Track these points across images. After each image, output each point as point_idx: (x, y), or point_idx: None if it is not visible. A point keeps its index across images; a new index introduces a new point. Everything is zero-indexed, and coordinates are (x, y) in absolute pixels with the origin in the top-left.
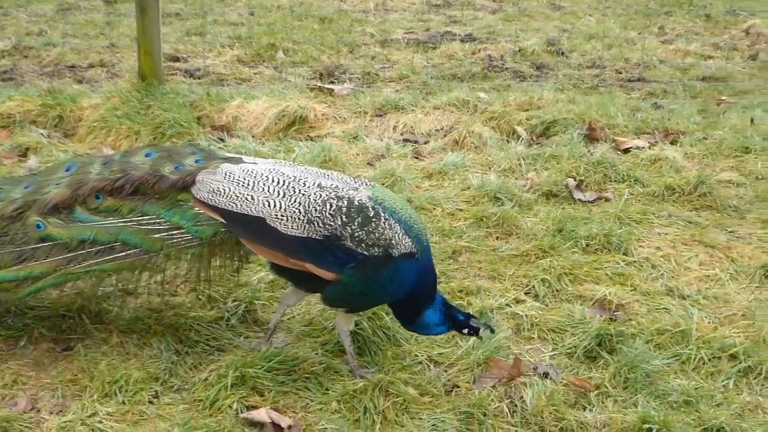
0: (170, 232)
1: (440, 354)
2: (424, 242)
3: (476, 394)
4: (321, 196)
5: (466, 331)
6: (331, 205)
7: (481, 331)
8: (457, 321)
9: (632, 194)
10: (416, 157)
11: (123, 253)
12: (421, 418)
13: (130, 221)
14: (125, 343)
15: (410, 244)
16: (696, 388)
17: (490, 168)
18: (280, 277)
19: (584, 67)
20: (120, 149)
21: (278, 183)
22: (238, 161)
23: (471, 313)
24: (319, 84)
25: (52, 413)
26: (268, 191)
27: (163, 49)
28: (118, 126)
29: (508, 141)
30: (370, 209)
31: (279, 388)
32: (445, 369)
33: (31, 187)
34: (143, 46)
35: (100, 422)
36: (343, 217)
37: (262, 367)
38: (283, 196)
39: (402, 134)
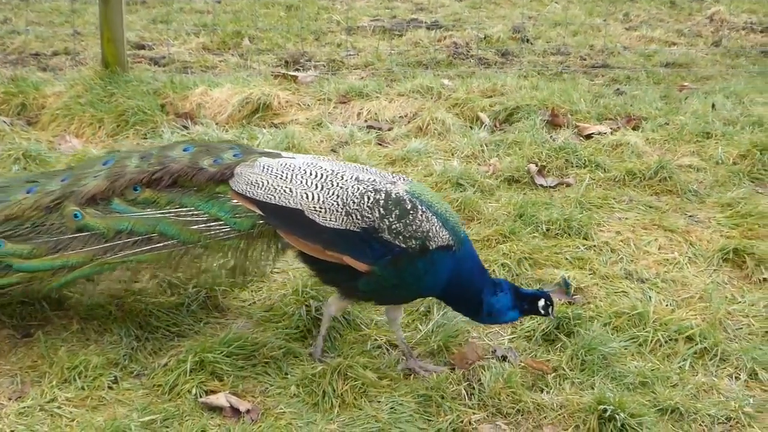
0: (208, 224)
1: None
2: (462, 234)
3: (434, 378)
4: (359, 189)
5: (542, 304)
6: (369, 198)
7: (563, 288)
8: (528, 297)
9: (593, 179)
10: (380, 144)
11: (160, 244)
12: (379, 401)
13: (168, 213)
14: (85, 329)
15: (447, 236)
16: (652, 370)
17: (453, 154)
18: (312, 270)
19: (549, 53)
20: (83, 137)
21: (316, 176)
22: (276, 155)
23: (540, 288)
24: (283, 71)
25: (10, 399)
26: (307, 184)
27: (129, 36)
28: (81, 114)
29: (471, 127)
30: (408, 202)
31: (238, 373)
32: (402, 354)
33: (69, 180)
34: (106, 34)
35: (59, 407)
36: (381, 209)
37: (222, 353)
38: (322, 189)
39: (366, 121)
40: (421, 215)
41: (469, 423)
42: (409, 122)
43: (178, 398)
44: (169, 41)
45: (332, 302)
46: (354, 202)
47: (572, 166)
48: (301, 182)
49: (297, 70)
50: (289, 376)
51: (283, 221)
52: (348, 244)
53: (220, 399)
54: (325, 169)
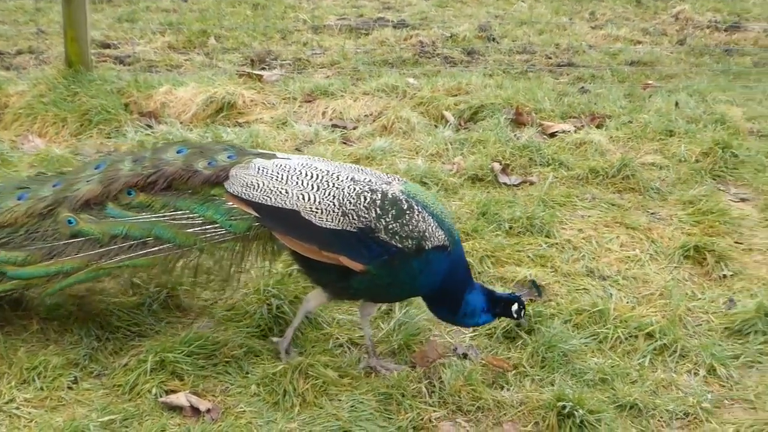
0: (204, 227)
1: (361, 336)
2: (456, 236)
3: (395, 376)
4: (355, 189)
5: (516, 308)
6: (365, 198)
7: (533, 291)
8: (502, 301)
9: (557, 177)
10: (344, 143)
11: (156, 248)
12: (340, 400)
13: (163, 216)
14: (46, 329)
15: (443, 236)
16: (612, 367)
17: (417, 153)
18: (305, 270)
19: (515, 52)
20: (46, 136)
21: (312, 177)
22: (271, 157)
23: (512, 292)
24: (248, 70)
25: None
26: (303, 185)
27: (94, 35)
28: (44, 113)
29: (436, 126)
30: (404, 202)
31: (199, 373)
32: (365, 352)
33: (61, 185)
34: (70, 33)
35: (18, 408)
36: (378, 209)
37: (182, 352)
38: (318, 190)
39: (331, 120)
40: (418, 215)
41: (430, 421)
42: (374, 121)
43: (138, 398)
44: (135, 40)
45: (312, 297)
46: (350, 203)
47: (536, 165)
48: (297, 183)
49: (263, 69)
50: (250, 375)
51: (279, 223)
52: (344, 244)
53: (181, 398)
54: (321, 170)
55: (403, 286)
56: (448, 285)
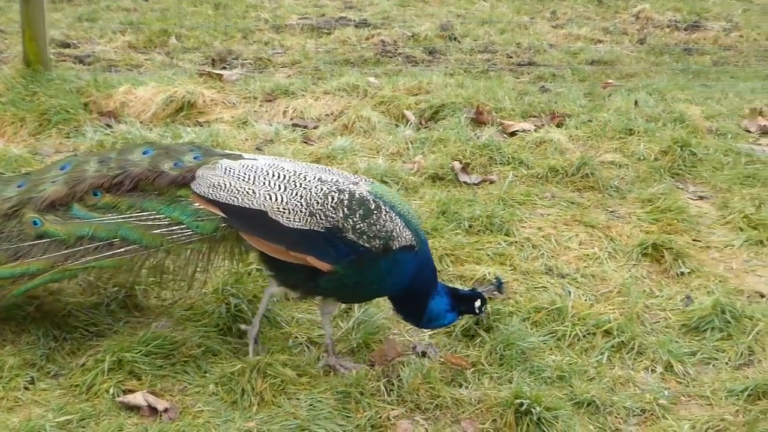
0: (170, 228)
1: (320, 335)
2: (422, 236)
3: (354, 374)
4: (322, 189)
5: (479, 304)
6: (332, 198)
7: (496, 288)
8: (466, 298)
9: (517, 176)
10: (305, 142)
11: (122, 249)
12: (298, 399)
13: (130, 217)
14: (2, 329)
15: (410, 237)
16: (570, 364)
17: (378, 152)
18: (272, 272)
19: (476, 51)
20: (4, 136)
21: (279, 177)
22: (237, 157)
23: (473, 288)
24: (208, 70)
25: None
26: (270, 185)
27: (54, 35)
28: (2, 113)
29: (396, 125)
30: (371, 202)
31: (157, 372)
32: (324, 351)
33: (25, 186)
34: (28, 32)
35: None
36: (345, 209)
37: (140, 352)
38: (285, 190)
39: (292, 119)
40: (385, 215)
41: (388, 419)
42: (335, 120)
43: (95, 398)
44: (95, 39)
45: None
46: (318, 203)
47: (496, 164)
48: (264, 183)
49: (224, 68)
50: (208, 374)
51: (246, 223)
52: (312, 244)
53: (138, 398)
54: (288, 170)
55: (370, 286)
56: (415, 285)
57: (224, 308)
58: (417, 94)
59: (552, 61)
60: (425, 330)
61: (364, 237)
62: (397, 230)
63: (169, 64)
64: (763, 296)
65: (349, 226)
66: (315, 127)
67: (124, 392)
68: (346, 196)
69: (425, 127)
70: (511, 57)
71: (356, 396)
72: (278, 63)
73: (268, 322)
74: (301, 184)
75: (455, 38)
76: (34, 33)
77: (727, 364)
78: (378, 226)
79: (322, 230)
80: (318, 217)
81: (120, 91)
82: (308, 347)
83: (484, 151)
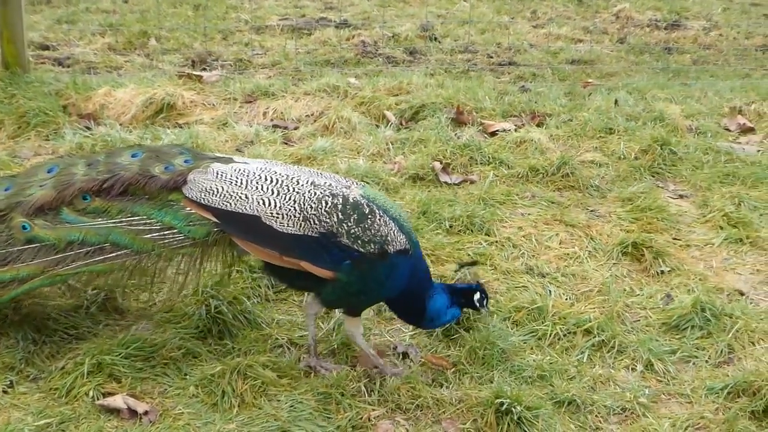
0: (162, 233)
1: (301, 336)
2: (414, 239)
3: (334, 375)
4: (316, 193)
5: (478, 297)
6: (326, 203)
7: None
8: (464, 292)
9: (497, 176)
10: (286, 143)
11: (113, 254)
12: (279, 400)
13: (120, 222)
14: None
15: (404, 240)
16: (550, 363)
17: (358, 153)
18: (273, 278)
19: (456, 51)
20: None
21: (272, 181)
22: (228, 161)
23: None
24: (188, 71)
25: None
26: (263, 190)
27: (32, 37)
28: None
29: (377, 126)
30: (365, 206)
31: (137, 375)
32: (305, 352)
33: (12, 189)
34: (5, 35)
35: None
36: (339, 214)
37: (120, 354)
38: (278, 195)
39: (272, 120)
40: (379, 219)
41: (369, 419)
42: (315, 121)
43: (74, 401)
44: (74, 41)
45: (347, 326)
46: (311, 207)
47: (476, 163)
48: (257, 188)
49: (204, 69)
50: (188, 376)
51: (239, 228)
52: (305, 249)
53: (118, 401)
54: (281, 174)
55: (371, 292)
56: (411, 287)
57: (204, 310)
58: (397, 95)
59: (532, 61)
60: (430, 329)
61: (359, 242)
62: (392, 234)
63: (149, 66)
64: (742, 294)
65: (344, 231)
66: (295, 128)
67: (104, 395)
68: (340, 200)
69: (406, 128)
70: (491, 57)
71: (337, 397)
72: (258, 64)
73: (248, 323)
74: (294, 188)
75: (436, 38)
76: (12, 35)
77: (707, 362)
78: (372, 231)
79: (316, 235)
80: (312, 222)
81: (99, 93)
82: (289, 348)
83: (464, 151)
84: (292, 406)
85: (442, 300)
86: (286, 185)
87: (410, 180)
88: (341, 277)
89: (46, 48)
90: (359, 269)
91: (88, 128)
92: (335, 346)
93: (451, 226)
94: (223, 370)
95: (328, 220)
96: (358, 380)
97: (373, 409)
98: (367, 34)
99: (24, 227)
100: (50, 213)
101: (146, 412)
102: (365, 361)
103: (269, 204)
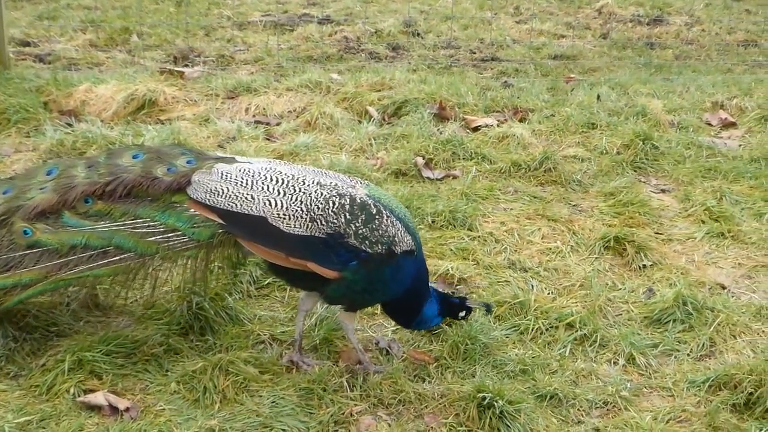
0: (166, 235)
1: (282, 332)
2: (419, 239)
3: (316, 371)
4: (323, 194)
5: (462, 314)
6: (333, 203)
7: (477, 311)
8: (453, 306)
9: (480, 171)
10: (268, 139)
11: (117, 258)
12: (261, 396)
13: (123, 225)
14: None
15: (410, 241)
16: (532, 357)
17: (341, 148)
18: (278, 278)
19: (439, 47)
20: None
21: (278, 182)
22: (232, 161)
23: (463, 296)
24: (170, 67)
25: None
26: (269, 190)
27: (13, 33)
28: None
29: (359, 121)
30: (372, 207)
31: (118, 371)
32: (287, 347)
33: (11, 193)
34: None
35: None
36: (347, 214)
37: (101, 351)
38: (284, 195)
39: (254, 116)
40: (387, 220)
41: (351, 414)
42: (297, 117)
43: (55, 398)
44: (55, 38)
45: (342, 319)
46: (319, 208)
47: (459, 159)
48: (263, 189)
49: (186, 65)
50: (169, 373)
51: (245, 229)
52: (312, 250)
53: (99, 398)
54: (286, 174)
55: (376, 292)
56: (415, 287)
57: (186, 306)
58: (380, 90)
59: (515, 57)
60: (409, 330)
61: (367, 242)
62: (399, 235)
63: (131, 62)
64: (724, 288)
65: (352, 232)
66: (278, 124)
67: (85, 392)
68: (347, 200)
69: (388, 123)
70: (474, 52)
71: (319, 392)
72: (240, 60)
73: (230, 319)
74: (300, 188)
75: (418, 34)
76: None
77: (688, 355)
78: (380, 231)
79: (324, 236)
80: (319, 223)
81: (80, 89)
82: (271, 344)
83: (447, 146)
84: (274, 402)
85: (435, 307)
86: (292, 185)
87: (393, 175)
88: (347, 276)
89: (27, 44)
90: (366, 269)
91: (69, 125)
92: (317, 342)
93: (433, 222)
94: (205, 366)
95: (335, 221)
96: (340, 376)
97: (356, 405)
98: (349, 30)
99: (25, 232)
100: (51, 217)
101: (127, 409)
102: (347, 357)
103: (276, 205)
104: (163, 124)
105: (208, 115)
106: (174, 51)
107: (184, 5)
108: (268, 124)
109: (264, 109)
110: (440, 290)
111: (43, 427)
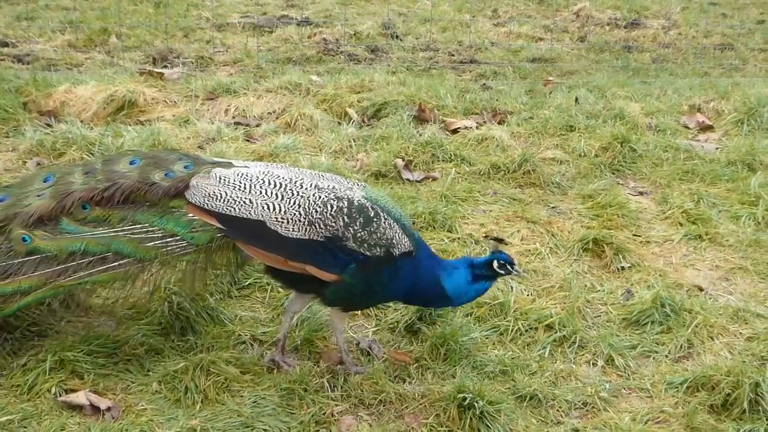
0: (165, 240)
1: (264, 333)
2: (417, 237)
3: (297, 371)
4: (320, 197)
5: (497, 265)
6: (332, 206)
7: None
8: (484, 264)
9: (459, 173)
10: (248, 140)
11: (116, 263)
12: (242, 396)
13: (122, 230)
14: None
15: (408, 243)
16: (512, 358)
17: (321, 150)
18: (276, 281)
19: (418, 49)
20: None
21: (275, 186)
22: (229, 165)
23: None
24: (149, 68)
25: None
26: (267, 194)
27: None
28: None
29: (339, 123)
30: (370, 209)
31: (99, 371)
32: (268, 348)
33: (8, 200)
34: None
35: None
36: (345, 218)
37: (82, 351)
38: (283, 199)
39: (234, 117)
40: (384, 222)
41: (332, 415)
42: (277, 118)
43: (37, 398)
44: (34, 38)
45: (333, 319)
46: (317, 211)
47: (438, 161)
48: (261, 192)
49: (165, 67)
50: (151, 372)
51: (243, 233)
52: (311, 253)
53: (80, 397)
54: (283, 178)
55: (374, 294)
56: (418, 285)
57: (167, 306)
58: (359, 92)
59: (493, 59)
60: (463, 305)
61: (365, 245)
62: (397, 237)
63: (110, 63)
64: (701, 290)
65: (350, 235)
66: (257, 126)
67: (66, 392)
68: (345, 203)
69: (368, 125)
70: (452, 55)
71: (300, 392)
72: (220, 61)
73: (211, 319)
74: (298, 192)
75: (397, 36)
76: None
77: (666, 356)
78: (378, 234)
79: (322, 239)
80: (318, 226)
81: (60, 90)
82: (252, 345)
83: (426, 148)
84: (255, 402)
85: (459, 276)
86: (290, 189)
87: (373, 177)
88: (345, 279)
89: (6, 45)
90: (364, 272)
91: (49, 125)
92: (298, 343)
93: (413, 223)
94: (186, 366)
95: (334, 224)
96: (321, 376)
97: (336, 405)
98: (328, 32)
99: (24, 239)
100: (50, 223)
101: (109, 408)
102: (329, 357)
103: (274, 209)
104: (143, 125)
105: (188, 116)
106: (153, 52)
107: (163, 6)
108: (248, 125)
109: (244, 110)
110: (469, 258)
111: (25, 427)
